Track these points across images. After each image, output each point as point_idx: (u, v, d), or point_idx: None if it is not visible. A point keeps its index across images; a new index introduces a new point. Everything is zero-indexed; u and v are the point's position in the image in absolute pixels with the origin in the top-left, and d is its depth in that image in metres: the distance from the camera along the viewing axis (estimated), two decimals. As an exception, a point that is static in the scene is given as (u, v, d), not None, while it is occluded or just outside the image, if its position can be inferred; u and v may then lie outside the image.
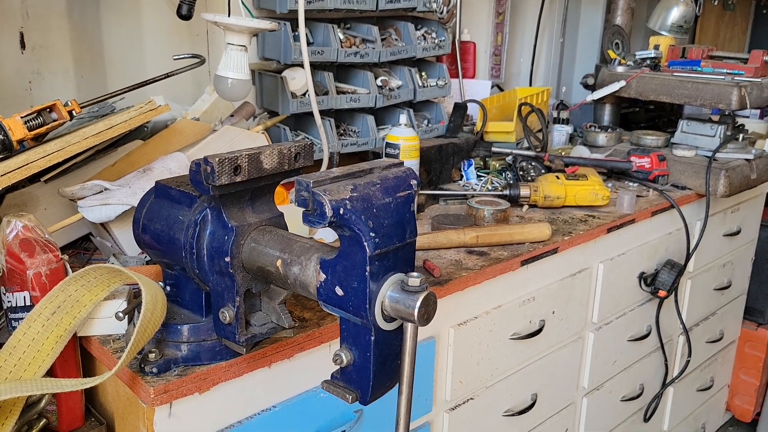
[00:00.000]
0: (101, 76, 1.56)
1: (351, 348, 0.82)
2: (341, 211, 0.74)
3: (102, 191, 1.23)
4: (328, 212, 0.73)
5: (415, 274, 0.77)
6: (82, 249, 1.36)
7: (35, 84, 1.45)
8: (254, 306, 0.96)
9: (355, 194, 0.75)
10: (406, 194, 0.81)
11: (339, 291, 0.79)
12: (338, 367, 0.83)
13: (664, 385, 2.11)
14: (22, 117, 1.14)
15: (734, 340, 2.58)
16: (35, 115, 1.16)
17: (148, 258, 1.25)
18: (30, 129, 1.14)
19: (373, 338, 0.79)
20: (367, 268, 0.76)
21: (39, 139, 1.24)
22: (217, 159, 0.82)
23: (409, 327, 0.78)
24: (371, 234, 0.75)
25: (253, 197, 0.92)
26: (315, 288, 0.82)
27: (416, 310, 0.75)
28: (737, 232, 2.27)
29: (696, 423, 2.48)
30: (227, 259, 0.88)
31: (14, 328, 1.02)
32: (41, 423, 1.03)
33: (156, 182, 0.99)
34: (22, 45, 1.42)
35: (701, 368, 2.35)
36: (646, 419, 2.11)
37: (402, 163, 0.86)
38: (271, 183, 0.93)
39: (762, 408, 2.68)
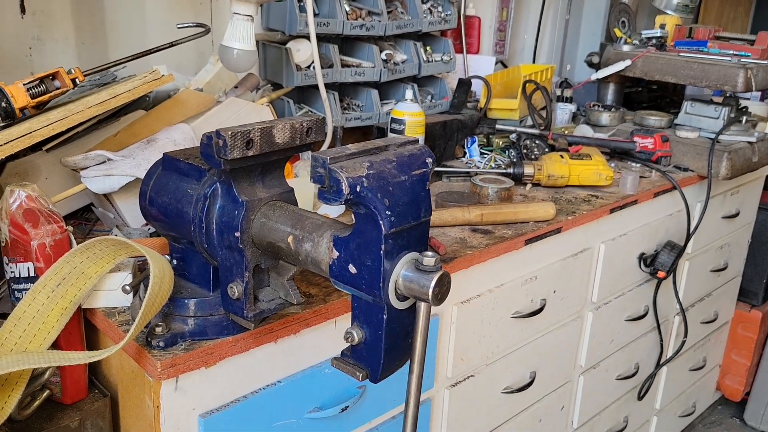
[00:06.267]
0: (102, 44, 1.52)
1: (362, 326, 0.81)
2: (358, 189, 0.73)
3: (105, 161, 1.22)
4: (345, 189, 0.72)
5: (429, 253, 0.76)
6: (84, 220, 1.35)
7: (35, 50, 1.42)
8: (262, 281, 0.95)
9: (371, 171, 0.74)
10: (421, 172, 0.80)
11: (352, 269, 0.78)
12: (348, 344, 0.83)
13: (659, 365, 2.13)
14: (24, 84, 1.11)
15: (727, 321, 2.60)
16: (38, 82, 1.13)
17: (151, 230, 1.23)
18: (32, 96, 1.12)
19: (385, 317, 0.78)
20: (382, 247, 0.75)
21: (40, 108, 1.22)
22: (229, 132, 0.81)
23: (423, 306, 0.77)
24: (387, 212, 0.74)
25: (263, 172, 0.91)
26: (327, 265, 0.81)
27: (431, 290, 0.74)
28: (736, 215, 2.28)
29: (687, 402, 2.51)
30: (237, 234, 0.87)
31: (17, 298, 1.01)
32: (44, 394, 1.02)
33: (164, 154, 0.97)
34: (22, 10, 1.39)
35: (694, 348, 2.37)
36: (640, 397, 2.13)
37: (417, 140, 0.84)
38: (282, 158, 0.92)
39: (752, 388, 2.72)
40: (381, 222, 0.74)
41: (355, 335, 0.81)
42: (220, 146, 0.82)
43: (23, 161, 1.27)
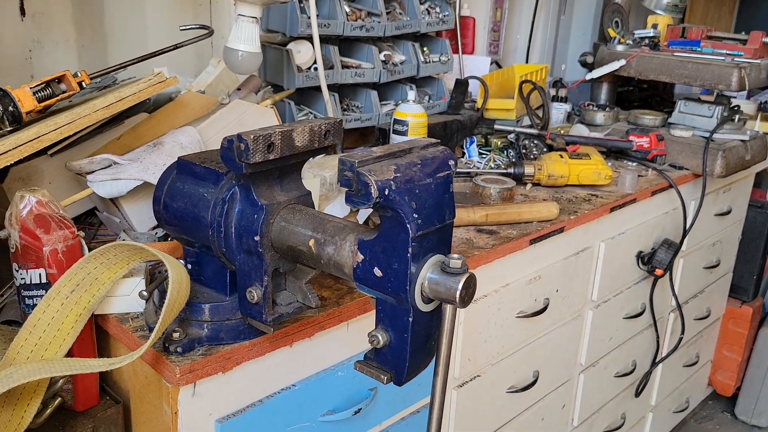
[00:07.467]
0: (102, 46, 1.51)
1: (387, 329, 0.81)
2: (386, 192, 0.72)
3: (111, 165, 1.20)
4: (374, 193, 0.72)
5: (455, 255, 0.76)
6: (87, 224, 1.33)
7: (36, 53, 1.40)
8: (279, 285, 0.95)
9: (398, 175, 0.74)
10: (445, 174, 0.80)
11: (378, 272, 0.78)
12: (372, 347, 0.83)
13: (655, 362, 2.15)
14: (31, 88, 1.09)
15: (719, 317, 2.63)
16: (44, 86, 1.12)
17: (159, 234, 1.22)
18: (39, 100, 1.10)
19: (411, 319, 0.78)
20: (410, 250, 0.75)
21: (43, 111, 1.20)
22: (252, 136, 0.80)
23: (448, 308, 0.77)
24: (414, 215, 0.74)
25: (281, 175, 0.90)
26: (351, 268, 0.81)
27: (458, 292, 0.74)
28: (728, 212, 2.31)
29: (681, 397, 2.53)
30: (256, 238, 0.87)
31: (28, 305, 0.99)
32: (56, 402, 1.00)
33: (179, 158, 0.96)
34: (22, 12, 1.37)
35: (688, 345, 2.40)
36: (637, 394, 2.15)
37: (438, 143, 0.84)
38: (300, 161, 0.92)
39: (742, 383, 2.75)
40: (408, 225, 0.74)
41: (380, 338, 0.81)
42: (242, 150, 0.81)
43: (27, 165, 1.25)
